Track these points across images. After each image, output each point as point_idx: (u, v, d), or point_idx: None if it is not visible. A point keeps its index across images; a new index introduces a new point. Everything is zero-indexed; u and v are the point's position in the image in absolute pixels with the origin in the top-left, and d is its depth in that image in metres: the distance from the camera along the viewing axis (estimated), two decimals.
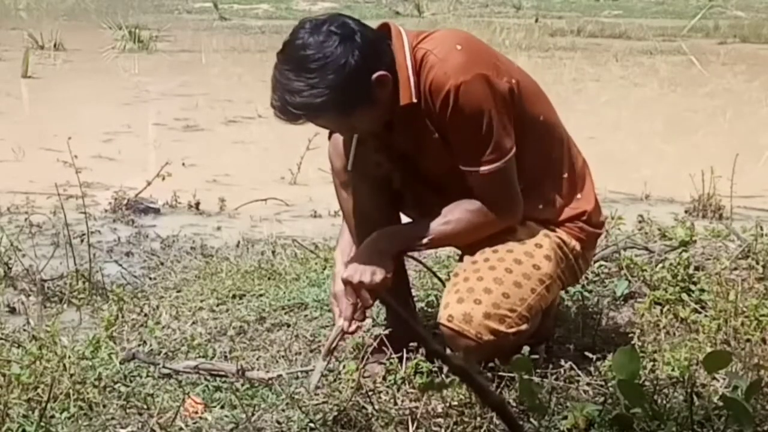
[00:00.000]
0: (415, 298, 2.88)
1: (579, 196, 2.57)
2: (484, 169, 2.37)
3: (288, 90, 2.28)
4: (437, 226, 2.44)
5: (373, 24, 2.46)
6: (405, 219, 2.66)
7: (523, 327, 2.39)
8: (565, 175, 2.55)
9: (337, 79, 2.26)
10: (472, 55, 2.35)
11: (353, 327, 2.50)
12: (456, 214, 2.45)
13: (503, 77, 2.37)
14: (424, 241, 2.46)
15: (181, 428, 2.24)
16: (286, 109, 2.30)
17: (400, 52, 2.36)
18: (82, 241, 3.62)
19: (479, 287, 2.39)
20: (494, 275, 2.40)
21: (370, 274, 2.41)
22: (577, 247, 2.54)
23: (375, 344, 2.57)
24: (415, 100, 2.35)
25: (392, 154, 2.51)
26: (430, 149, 2.43)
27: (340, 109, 2.31)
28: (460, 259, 2.54)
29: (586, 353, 2.50)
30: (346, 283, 2.44)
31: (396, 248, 2.47)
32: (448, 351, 2.33)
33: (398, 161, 2.53)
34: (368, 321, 2.79)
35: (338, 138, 2.56)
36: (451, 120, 2.33)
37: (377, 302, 2.60)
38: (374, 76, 2.30)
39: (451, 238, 2.52)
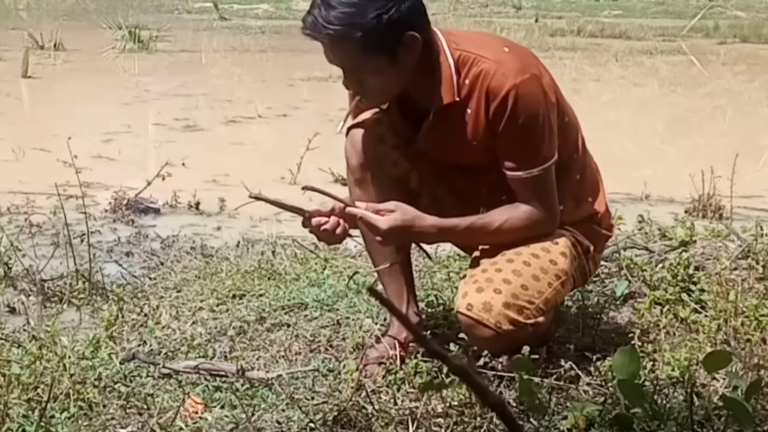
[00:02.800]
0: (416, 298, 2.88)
1: (590, 198, 2.59)
2: (531, 173, 2.37)
3: (326, 3, 2.29)
4: (476, 219, 2.44)
5: None
6: None
7: (540, 319, 2.40)
8: (578, 177, 2.57)
9: (378, 13, 2.26)
10: (522, 57, 2.39)
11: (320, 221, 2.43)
12: (499, 213, 2.44)
13: (548, 78, 2.40)
14: (459, 228, 2.43)
15: (181, 428, 2.24)
16: (316, 22, 2.29)
17: (441, 50, 2.37)
18: (82, 241, 3.62)
19: (498, 278, 2.39)
20: (513, 267, 2.41)
21: (384, 230, 2.36)
22: (591, 248, 2.56)
23: (375, 344, 2.58)
24: (458, 99, 2.35)
25: (410, 152, 2.51)
26: (457, 150, 2.43)
27: (363, 44, 2.29)
28: (473, 264, 2.52)
29: (586, 353, 2.50)
30: (366, 222, 2.40)
31: (430, 231, 2.42)
32: (465, 338, 2.33)
33: (416, 160, 2.53)
34: (368, 321, 2.78)
35: (356, 134, 2.55)
36: (508, 121, 2.33)
37: (377, 302, 2.59)
38: (408, 33, 2.30)
39: (488, 233, 2.46)
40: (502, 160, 2.40)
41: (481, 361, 2.31)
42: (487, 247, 2.50)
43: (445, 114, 2.38)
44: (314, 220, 2.42)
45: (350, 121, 2.57)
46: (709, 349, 2.57)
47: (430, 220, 2.41)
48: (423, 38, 2.33)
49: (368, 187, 2.55)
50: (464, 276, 2.53)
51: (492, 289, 2.37)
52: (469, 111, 2.37)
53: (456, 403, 2.25)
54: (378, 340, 2.62)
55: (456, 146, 2.42)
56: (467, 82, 2.36)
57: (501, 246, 2.46)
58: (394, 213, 2.39)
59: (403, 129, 2.48)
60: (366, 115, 2.55)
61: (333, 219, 2.42)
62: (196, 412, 2.31)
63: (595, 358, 2.48)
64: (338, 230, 2.42)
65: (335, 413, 2.26)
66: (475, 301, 2.36)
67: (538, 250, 2.46)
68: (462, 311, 2.38)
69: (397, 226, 2.37)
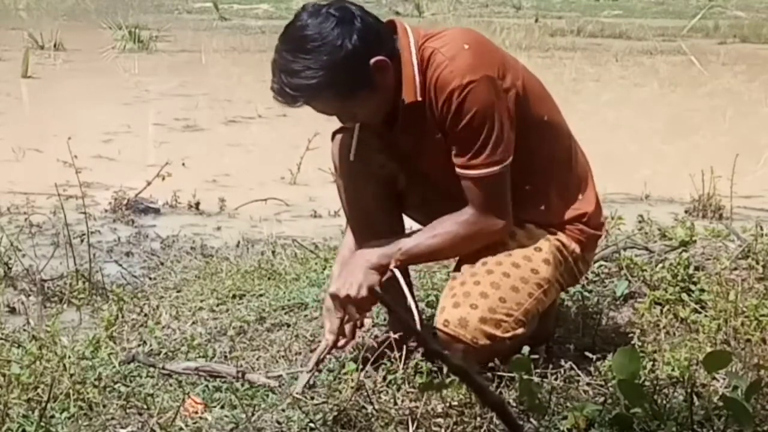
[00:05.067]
0: (416, 298, 2.88)
1: (581, 197, 2.56)
2: (478, 172, 2.35)
3: (285, 71, 2.28)
4: (425, 240, 2.42)
5: None
6: (407, 220, 2.65)
7: (519, 331, 2.39)
8: (566, 177, 2.54)
9: (331, 60, 2.25)
10: (480, 56, 2.34)
11: (341, 342, 2.49)
12: (445, 226, 2.42)
13: (510, 80, 2.36)
14: (413, 255, 2.43)
15: (181, 428, 2.24)
16: (283, 91, 2.29)
17: (406, 49, 2.35)
18: (82, 241, 3.62)
19: (476, 291, 2.38)
20: (491, 279, 2.39)
21: (356, 288, 2.38)
22: (577, 249, 2.52)
23: (375, 345, 2.58)
24: (419, 99, 2.33)
25: (394, 153, 2.50)
26: (430, 149, 2.42)
27: (337, 92, 2.29)
28: (456, 269, 2.51)
29: (586, 353, 2.50)
30: (333, 297, 2.43)
31: (383, 263, 2.41)
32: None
33: (401, 161, 2.52)
34: (368, 321, 2.78)
35: (341, 139, 2.54)
36: (453, 119, 2.32)
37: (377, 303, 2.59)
38: (372, 60, 2.29)
39: (440, 251, 2.49)
40: (453, 157, 2.38)
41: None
42: None
43: (412, 113, 2.36)
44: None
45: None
46: (709, 349, 2.57)
47: (375, 255, 2.42)
48: (388, 54, 2.31)
49: (357, 190, 2.55)
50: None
51: (469, 304, 2.36)
52: (428, 107, 2.36)
53: (456, 403, 2.24)
54: (378, 340, 2.61)
55: (429, 144, 2.40)
56: (425, 77, 2.34)
57: (479, 251, 2.45)
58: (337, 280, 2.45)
59: (383, 131, 2.47)
60: None
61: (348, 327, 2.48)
62: (196, 412, 2.31)
63: (595, 358, 2.47)
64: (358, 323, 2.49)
65: (335, 413, 2.26)
66: (452, 317, 2.36)
67: (519, 259, 2.44)
68: (439, 327, 2.38)
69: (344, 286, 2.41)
